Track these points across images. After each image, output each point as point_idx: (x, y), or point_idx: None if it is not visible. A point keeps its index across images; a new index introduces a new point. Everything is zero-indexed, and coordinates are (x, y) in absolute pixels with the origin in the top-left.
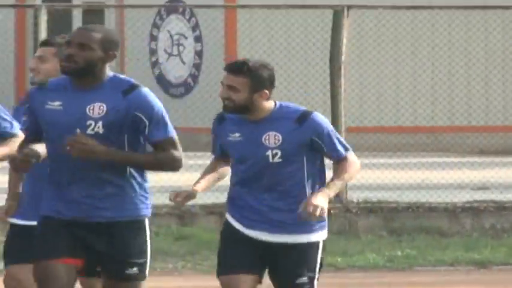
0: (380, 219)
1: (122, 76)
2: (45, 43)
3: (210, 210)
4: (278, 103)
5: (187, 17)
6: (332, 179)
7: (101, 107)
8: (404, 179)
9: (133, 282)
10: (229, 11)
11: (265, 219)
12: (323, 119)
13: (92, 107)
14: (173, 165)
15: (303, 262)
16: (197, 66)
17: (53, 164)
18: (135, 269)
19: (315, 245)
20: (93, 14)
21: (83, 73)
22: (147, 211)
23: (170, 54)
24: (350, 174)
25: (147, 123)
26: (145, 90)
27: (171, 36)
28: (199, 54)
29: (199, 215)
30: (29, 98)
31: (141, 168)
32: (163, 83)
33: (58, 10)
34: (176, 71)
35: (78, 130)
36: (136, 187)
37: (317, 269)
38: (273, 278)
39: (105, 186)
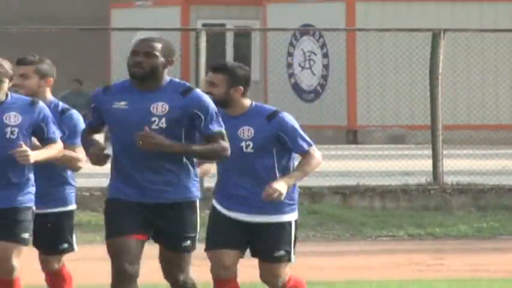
0: (469, 198)
1: (178, 80)
2: (24, 62)
3: (335, 190)
4: (254, 103)
5: (316, 38)
6: (294, 170)
7: (163, 106)
8: (488, 166)
9: (187, 253)
10: (349, 33)
11: (244, 202)
12: (290, 118)
13: (155, 106)
14: (222, 154)
15: (279, 238)
16: (324, 77)
17: (119, 155)
18: (188, 242)
19: (287, 224)
20: (242, 36)
21: (148, 77)
22: (198, 193)
23: (303, 67)
24: (311, 166)
25: (202, 118)
26: (200, 91)
27: (304, 53)
28: (326, 67)
29: (326, 194)
30: (94, 99)
31: (197, 157)
32: (297, 90)
33: (215, 33)
34: (308, 81)
35: (146, 127)
36: (190, 173)
37: (292, 244)
38: (255, 253)
39: (166, 173)
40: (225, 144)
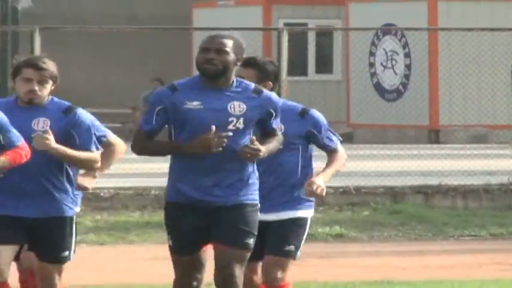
0: None
1: (244, 80)
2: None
3: (417, 190)
4: (281, 99)
5: (398, 37)
6: (326, 167)
7: (241, 106)
8: None
9: (246, 252)
10: (431, 32)
11: (263, 201)
12: (320, 115)
13: (232, 105)
14: (279, 146)
15: (292, 233)
16: (407, 77)
17: (188, 156)
18: (250, 240)
19: (303, 219)
20: (324, 35)
21: (220, 74)
22: (257, 196)
23: (385, 67)
24: (342, 163)
25: (274, 115)
26: (267, 90)
27: (386, 52)
28: (408, 67)
29: (408, 193)
30: (160, 99)
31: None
32: (379, 90)
33: (297, 33)
34: (390, 80)
35: (213, 127)
36: (253, 175)
37: (302, 241)
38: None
39: (230, 175)
40: (281, 136)
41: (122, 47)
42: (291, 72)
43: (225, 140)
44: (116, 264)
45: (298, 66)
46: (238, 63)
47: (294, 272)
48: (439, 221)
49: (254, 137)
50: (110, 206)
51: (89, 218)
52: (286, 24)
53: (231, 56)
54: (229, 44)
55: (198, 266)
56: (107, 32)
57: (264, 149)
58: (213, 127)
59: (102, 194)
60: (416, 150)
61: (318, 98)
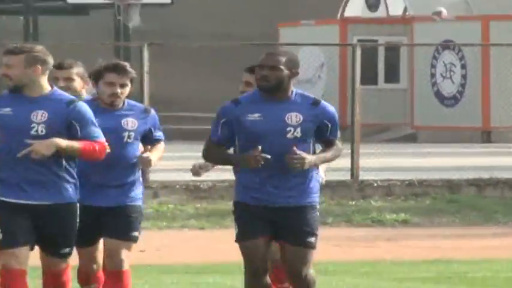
0: None
1: (303, 91)
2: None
3: (471, 182)
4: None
5: (456, 52)
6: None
7: (297, 116)
8: None
9: (311, 250)
10: (484, 47)
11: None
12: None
13: (289, 116)
14: (339, 155)
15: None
16: (463, 85)
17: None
18: (313, 238)
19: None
20: (392, 50)
21: (274, 89)
22: (317, 198)
23: (444, 77)
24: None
25: (329, 126)
26: (325, 102)
27: (445, 64)
28: (464, 77)
29: (463, 185)
30: (225, 113)
31: (328, 162)
32: (439, 97)
33: (369, 48)
34: (448, 88)
35: (259, 147)
36: (314, 179)
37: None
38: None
39: (292, 179)
40: (341, 145)
41: (220, 60)
42: (363, 82)
43: (262, 160)
44: (214, 245)
45: (369, 77)
46: (294, 77)
47: (364, 251)
48: (490, 209)
49: (294, 147)
50: (208, 196)
51: (191, 206)
52: (359, 41)
53: (285, 72)
54: (282, 60)
55: (261, 251)
56: (206, 47)
57: (315, 158)
58: (259, 147)
59: (201, 186)
60: (471, 148)
61: (387, 104)
